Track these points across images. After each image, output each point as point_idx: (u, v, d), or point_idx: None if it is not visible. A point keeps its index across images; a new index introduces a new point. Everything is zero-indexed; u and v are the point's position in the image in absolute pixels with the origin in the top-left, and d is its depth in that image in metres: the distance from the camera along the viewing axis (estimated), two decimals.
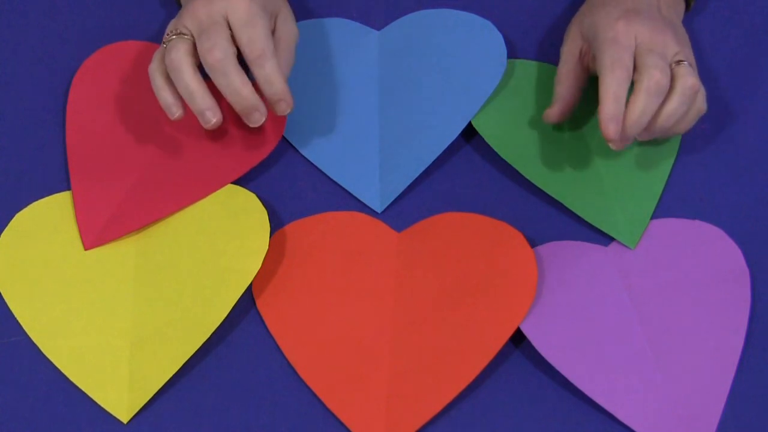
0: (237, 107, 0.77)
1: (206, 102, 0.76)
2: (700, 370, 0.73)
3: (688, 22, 0.87)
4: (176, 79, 0.76)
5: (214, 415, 0.72)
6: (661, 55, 0.76)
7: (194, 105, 0.76)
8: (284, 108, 0.78)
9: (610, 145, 0.76)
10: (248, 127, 0.82)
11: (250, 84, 0.76)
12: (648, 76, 0.74)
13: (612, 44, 0.76)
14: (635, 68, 0.76)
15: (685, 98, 0.76)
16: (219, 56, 0.75)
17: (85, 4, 0.91)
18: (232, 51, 0.76)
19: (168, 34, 0.77)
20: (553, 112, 0.82)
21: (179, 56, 0.75)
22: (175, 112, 0.77)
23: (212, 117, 0.77)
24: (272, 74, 0.76)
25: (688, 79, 0.76)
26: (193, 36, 0.77)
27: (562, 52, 0.83)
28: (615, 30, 0.77)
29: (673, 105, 0.76)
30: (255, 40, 0.76)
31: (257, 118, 0.78)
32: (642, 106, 0.74)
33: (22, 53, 0.89)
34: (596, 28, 0.79)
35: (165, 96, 0.77)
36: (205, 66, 0.76)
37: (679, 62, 0.76)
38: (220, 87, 0.76)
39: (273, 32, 0.80)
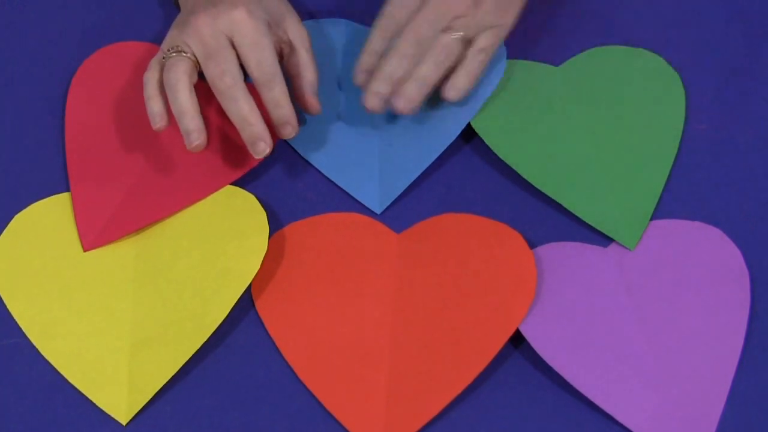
0: (243, 134, 0.77)
1: (195, 123, 0.76)
2: (700, 370, 0.73)
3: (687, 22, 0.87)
4: (172, 97, 0.76)
5: (213, 417, 0.72)
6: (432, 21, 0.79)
7: (182, 124, 0.76)
8: (290, 132, 0.79)
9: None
10: None
11: (258, 112, 0.77)
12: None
13: None
14: None
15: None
16: (230, 83, 0.76)
17: (85, 4, 0.91)
18: (242, 76, 0.77)
19: (168, 51, 0.78)
20: None
21: (178, 76, 0.76)
22: (159, 122, 0.77)
23: (196, 139, 0.76)
24: (280, 97, 0.77)
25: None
26: (194, 54, 0.77)
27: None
28: None
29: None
30: (263, 63, 0.77)
31: (262, 148, 0.77)
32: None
33: (22, 53, 0.89)
34: None
35: (153, 105, 0.77)
36: (214, 90, 0.77)
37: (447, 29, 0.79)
38: (229, 112, 0.77)
39: (285, 42, 0.80)
